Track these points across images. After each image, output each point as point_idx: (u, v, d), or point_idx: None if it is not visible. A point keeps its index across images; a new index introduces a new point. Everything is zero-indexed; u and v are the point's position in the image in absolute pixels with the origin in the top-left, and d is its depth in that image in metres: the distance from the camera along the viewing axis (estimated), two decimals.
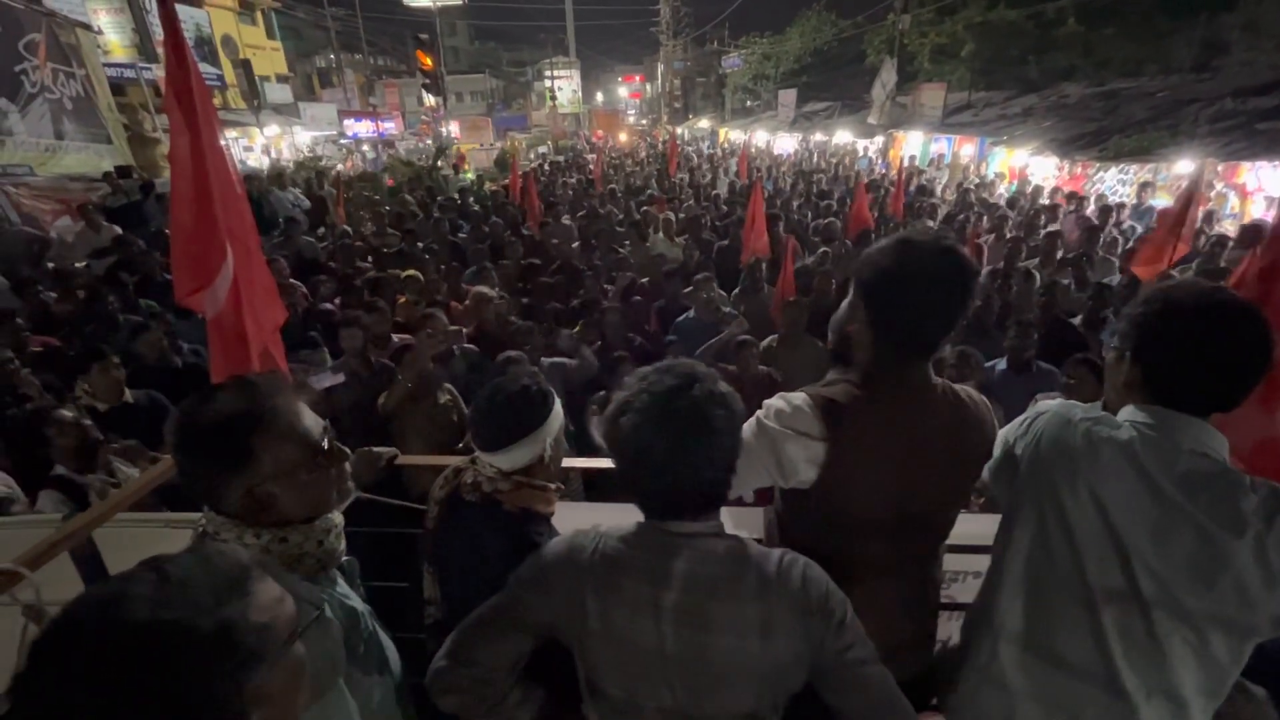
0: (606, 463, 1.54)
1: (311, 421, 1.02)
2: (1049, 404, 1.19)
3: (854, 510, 1.17)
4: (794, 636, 0.97)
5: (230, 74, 19.01)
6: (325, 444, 1.03)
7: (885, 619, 1.22)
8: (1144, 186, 8.74)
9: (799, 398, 1.18)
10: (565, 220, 7.94)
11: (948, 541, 1.67)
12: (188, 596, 0.60)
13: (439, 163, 13.51)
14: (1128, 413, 1.09)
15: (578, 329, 4.09)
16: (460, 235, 7.34)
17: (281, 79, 23.88)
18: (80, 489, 2.44)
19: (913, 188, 10.73)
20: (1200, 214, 6.14)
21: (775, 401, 1.21)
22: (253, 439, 0.94)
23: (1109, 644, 1.06)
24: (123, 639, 0.56)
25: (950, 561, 1.93)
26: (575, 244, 6.55)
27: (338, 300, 4.87)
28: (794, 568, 1.00)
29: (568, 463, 2.35)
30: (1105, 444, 1.06)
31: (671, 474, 0.96)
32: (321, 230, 7.91)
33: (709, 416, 0.94)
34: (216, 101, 17.81)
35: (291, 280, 5.06)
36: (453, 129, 23.84)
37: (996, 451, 1.24)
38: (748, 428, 1.14)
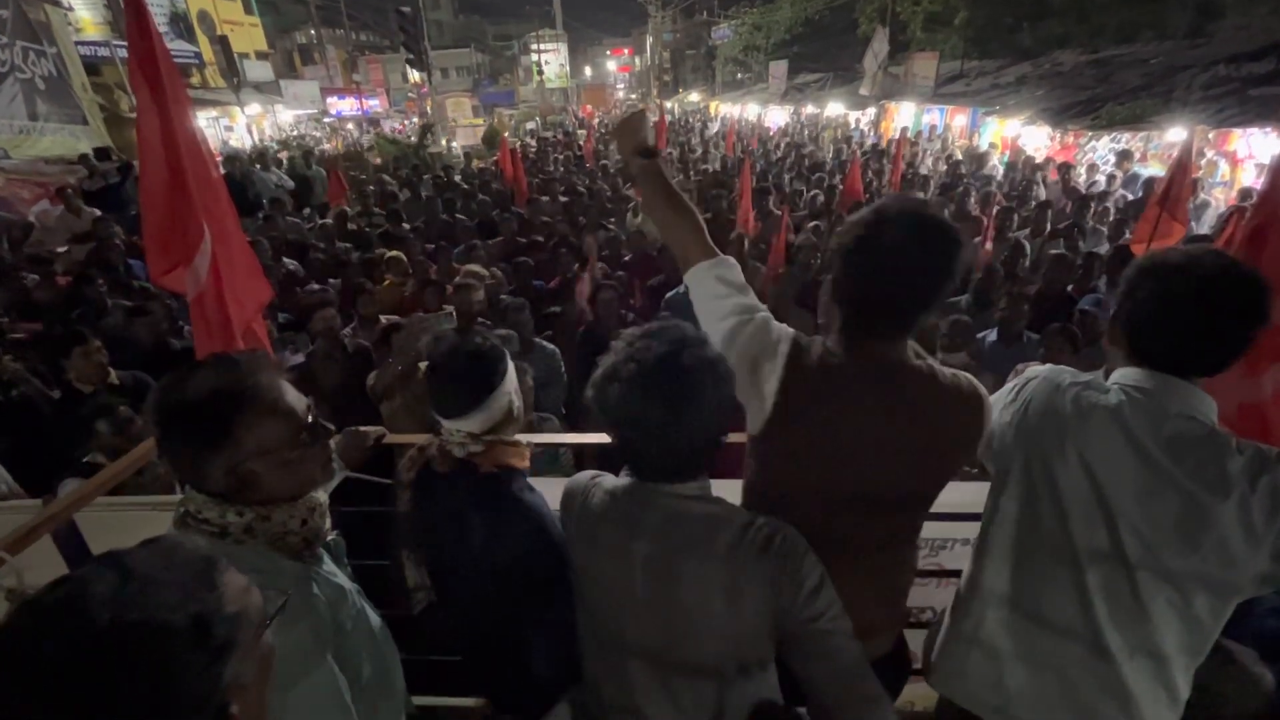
0: (597, 438, 1.54)
1: (294, 398, 1.00)
2: (1038, 369, 1.19)
3: (795, 478, 1.15)
4: (761, 602, 0.98)
5: (208, 52, 18.49)
6: (309, 420, 1.01)
7: (845, 598, 1.20)
8: (1123, 156, 8.70)
9: (785, 344, 1.13)
10: (558, 198, 7.82)
11: (935, 509, 1.69)
12: (155, 593, 0.57)
13: (426, 140, 13.29)
14: (1117, 376, 1.09)
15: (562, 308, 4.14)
16: (458, 215, 7.24)
17: (261, 56, 23.22)
18: None
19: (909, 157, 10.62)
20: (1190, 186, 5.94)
21: (771, 329, 1.17)
22: (235, 416, 0.92)
23: (1093, 605, 1.07)
24: (86, 645, 0.52)
25: (938, 529, 1.97)
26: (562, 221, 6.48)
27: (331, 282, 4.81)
28: (766, 535, 1.00)
29: (559, 438, 2.37)
30: (1094, 408, 1.06)
31: (661, 441, 0.97)
32: (307, 211, 7.78)
33: (699, 384, 0.94)
34: (195, 80, 17.39)
35: (286, 262, 5.01)
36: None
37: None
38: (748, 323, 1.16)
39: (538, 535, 1.24)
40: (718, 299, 1.20)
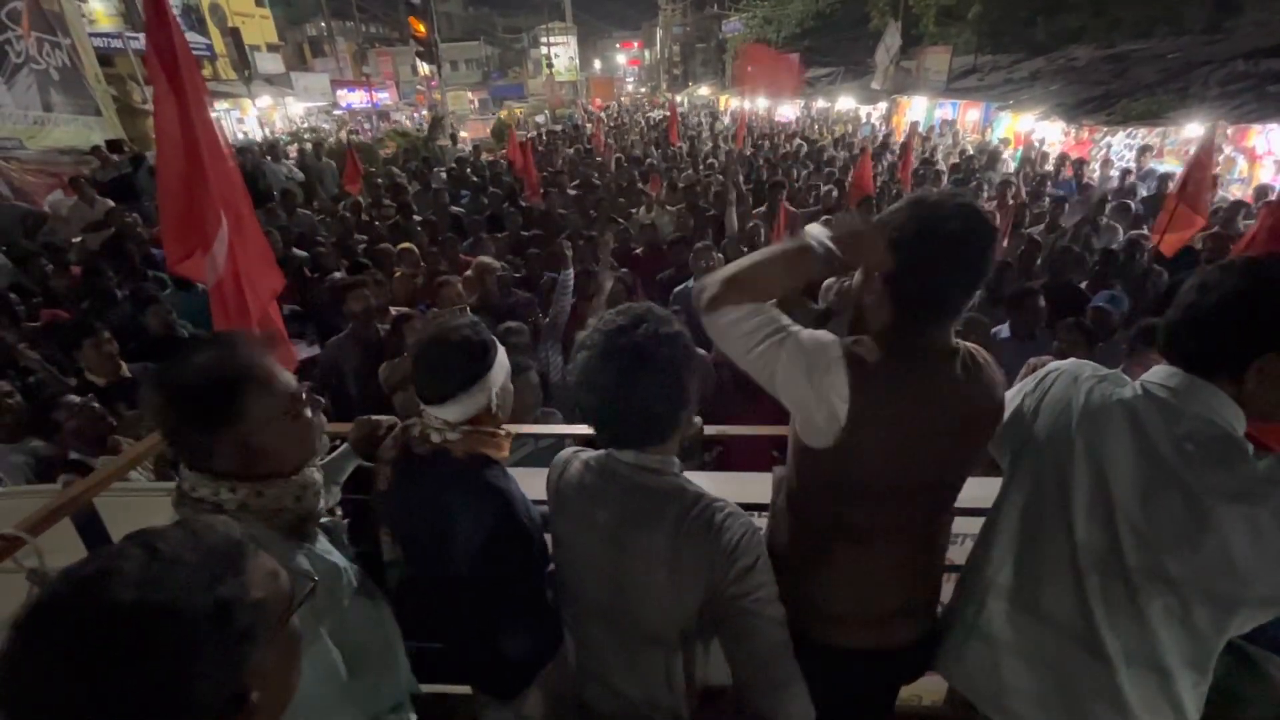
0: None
1: (286, 373, 1.06)
2: (1060, 363, 1.18)
3: (864, 476, 1.13)
4: (699, 578, 1.03)
5: (219, 43, 18.59)
6: (301, 391, 1.06)
7: (886, 585, 1.21)
8: (1143, 151, 8.60)
9: (835, 351, 1.07)
10: (567, 190, 7.82)
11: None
12: (179, 576, 0.57)
13: (435, 133, 13.29)
14: (1148, 374, 1.08)
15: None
16: (455, 208, 7.24)
17: (272, 48, 23.31)
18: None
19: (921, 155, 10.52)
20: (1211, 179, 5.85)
21: (810, 343, 1.09)
22: (242, 388, 0.95)
23: (1091, 605, 1.06)
24: (108, 622, 0.53)
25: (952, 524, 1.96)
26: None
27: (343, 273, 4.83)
28: (711, 513, 1.04)
29: (567, 429, 2.36)
30: (1108, 402, 1.05)
31: (615, 405, 1.03)
32: (316, 204, 7.80)
33: (651, 354, 1.00)
34: (206, 73, 17.45)
35: (297, 252, 5.03)
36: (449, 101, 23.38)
37: (1005, 412, 1.21)
38: (785, 354, 1.08)
39: (506, 522, 1.24)
40: (742, 323, 1.10)
